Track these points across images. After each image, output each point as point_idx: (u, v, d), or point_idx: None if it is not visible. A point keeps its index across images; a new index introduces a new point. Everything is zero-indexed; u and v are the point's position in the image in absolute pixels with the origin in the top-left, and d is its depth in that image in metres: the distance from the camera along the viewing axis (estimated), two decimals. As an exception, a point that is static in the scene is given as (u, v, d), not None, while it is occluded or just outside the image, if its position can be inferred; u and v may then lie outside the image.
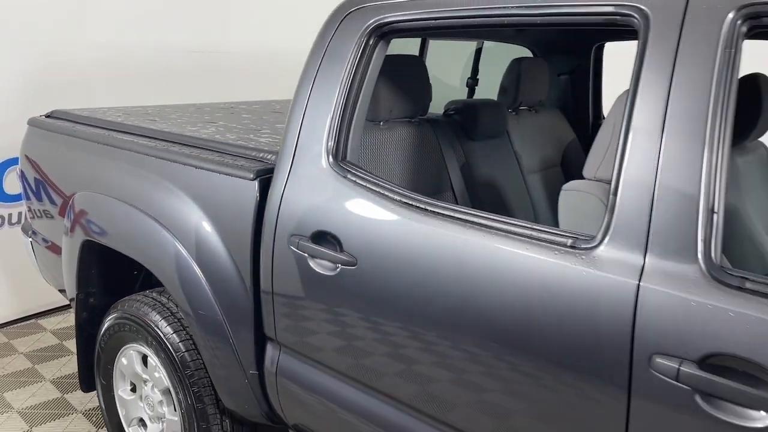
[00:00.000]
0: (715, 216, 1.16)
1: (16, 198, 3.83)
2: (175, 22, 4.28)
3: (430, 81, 2.21)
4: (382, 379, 1.66)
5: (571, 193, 1.50)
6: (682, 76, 1.22)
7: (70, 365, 3.49)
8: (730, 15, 1.19)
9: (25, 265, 3.46)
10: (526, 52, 2.88)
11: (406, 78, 2.12)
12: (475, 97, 3.23)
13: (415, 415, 1.63)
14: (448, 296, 1.47)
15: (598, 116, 2.96)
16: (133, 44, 4.08)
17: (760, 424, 1.07)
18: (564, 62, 2.89)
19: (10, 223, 3.91)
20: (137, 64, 4.11)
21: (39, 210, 2.98)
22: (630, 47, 1.33)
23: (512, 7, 1.47)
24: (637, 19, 1.29)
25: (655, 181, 1.22)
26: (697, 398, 1.13)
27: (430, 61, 3.48)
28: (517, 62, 2.59)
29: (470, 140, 2.41)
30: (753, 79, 2.07)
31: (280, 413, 2.04)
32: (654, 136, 1.23)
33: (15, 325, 3.99)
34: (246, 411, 2.11)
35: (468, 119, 2.42)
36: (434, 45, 3.44)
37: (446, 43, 3.45)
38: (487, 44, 3.09)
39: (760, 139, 2.34)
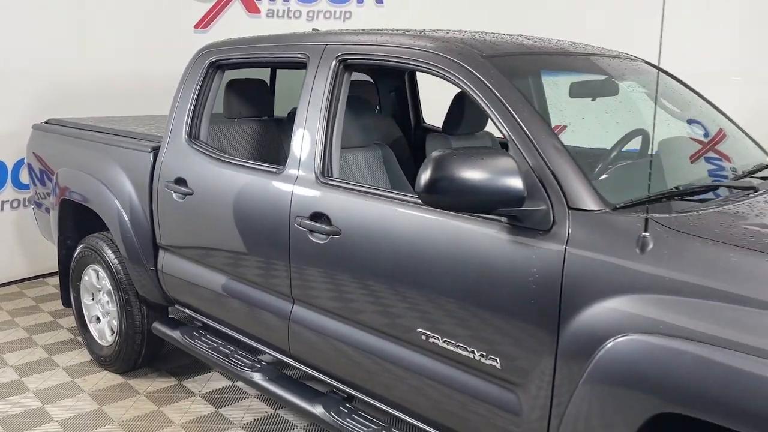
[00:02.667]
0: (321, 152, 2.49)
1: (28, 186, 5.23)
2: (150, 55, 5.66)
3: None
4: (219, 260, 2.98)
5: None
6: (314, 90, 2.56)
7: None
8: (334, 61, 2.54)
9: (36, 236, 4.80)
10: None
11: (251, 93, 3.47)
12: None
13: (231, 277, 2.95)
14: (229, 205, 2.82)
15: (418, 119, 4.28)
16: (117, 71, 5.47)
17: (324, 242, 2.39)
18: (390, 84, 4.23)
19: (24, 206, 5.33)
20: (120, 86, 5.49)
21: (42, 191, 4.37)
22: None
23: (265, 56, 2.85)
24: (305, 59, 2.64)
25: (302, 138, 2.55)
26: (308, 234, 2.45)
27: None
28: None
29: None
30: (461, 94, 3.38)
31: (169, 294, 3.38)
32: (303, 119, 2.58)
33: (27, 282, 5.39)
34: (151, 296, 3.45)
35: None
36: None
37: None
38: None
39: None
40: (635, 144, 2.72)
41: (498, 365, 1.94)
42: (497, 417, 1.96)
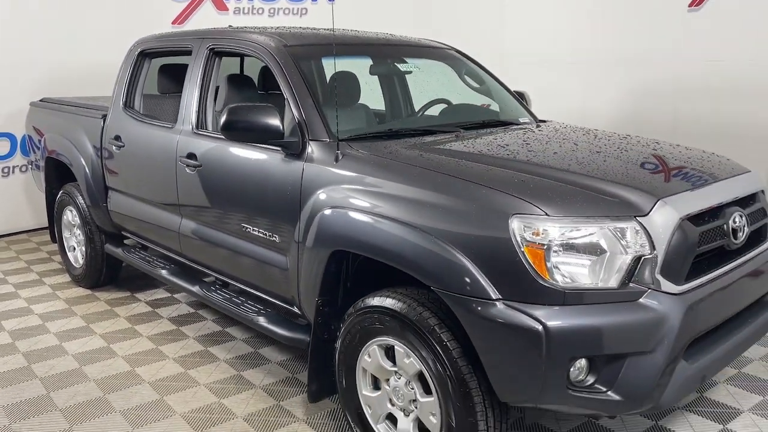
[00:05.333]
0: (196, 112, 3.66)
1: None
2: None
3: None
4: (139, 192, 4.18)
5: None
6: (194, 70, 3.74)
7: (57, 245, 6.14)
8: (206, 50, 3.71)
9: (40, 195, 6.04)
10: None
11: (177, 75, 4.64)
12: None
13: (146, 204, 4.15)
14: (143, 152, 4.02)
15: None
16: (103, 60, 6.68)
17: (193, 173, 3.56)
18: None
19: (32, 169, 6.62)
20: (105, 72, 6.67)
21: (39, 157, 5.64)
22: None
23: (170, 46, 4.04)
24: (191, 48, 3.82)
25: (185, 103, 3.73)
26: (185, 168, 3.62)
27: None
28: (265, 68, 5.07)
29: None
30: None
31: (115, 223, 4.61)
32: (187, 90, 3.75)
33: (33, 231, 6.71)
34: (106, 226, 4.68)
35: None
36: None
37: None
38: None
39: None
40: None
41: (277, 239, 3.09)
42: (279, 273, 3.12)
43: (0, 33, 6.25)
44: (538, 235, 2.16)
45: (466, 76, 4.13)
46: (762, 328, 2.71)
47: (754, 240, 2.74)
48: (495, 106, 4.04)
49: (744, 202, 2.67)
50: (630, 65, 6.30)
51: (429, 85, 4.17)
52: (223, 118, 2.97)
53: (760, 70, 5.16)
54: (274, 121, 2.96)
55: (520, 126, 3.55)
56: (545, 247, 2.15)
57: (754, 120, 5.24)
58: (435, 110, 4.10)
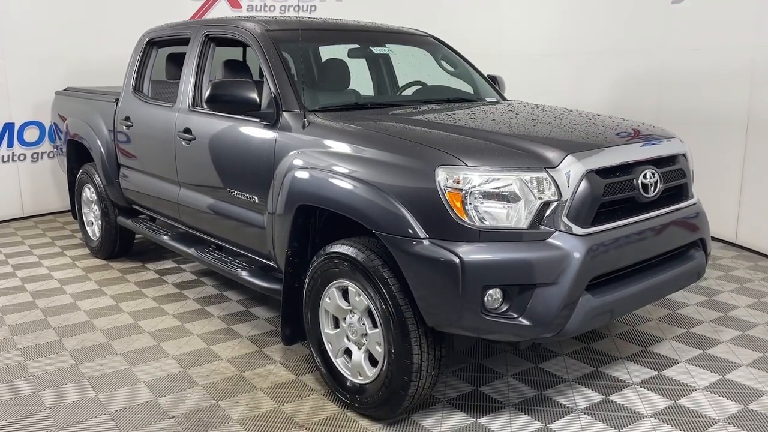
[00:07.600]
0: (192, 92, 4.08)
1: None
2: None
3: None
4: (144, 166, 4.64)
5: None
6: (191, 55, 4.16)
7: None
8: (202, 37, 4.13)
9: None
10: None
11: (180, 62, 5.09)
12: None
13: (150, 176, 4.60)
14: (149, 129, 4.46)
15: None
16: (124, 55, 7.20)
17: (189, 145, 3.99)
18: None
19: (58, 154, 7.15)
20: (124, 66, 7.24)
21: (62, 142, 6.15)
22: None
23: (173, 35, 4.48)
24: (189, 35, 4.24)
25: (183, 85, 4.16)
26: (182, 141, 4.05)
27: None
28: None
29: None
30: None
31: (126, 197, 5.07)
32: (185, 73, 4.18)
33: (60, 213, 7.24)
34: (119, 201, 5.15)
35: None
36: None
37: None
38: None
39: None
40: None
41: (255, 200, 3.49)
42: (258, 231, 3.52)
43: (31, 30, 6.80)
44: (458, 182, 2.52)
45: (442, 61, 4.49)
46: (680, 278, 3.02)
47: (675, 197, 3.06)
48: (467, 87, 4.39)
49: (661, 162, 2.98)
50: (619, 56, 6.58)
51: (411, 69, 4.54)
52: (207, 92, 3.38)
53: (733, 57, 5.41)
54: (252, 95, 3.35)
55: (480, 102, 3.90)
56: (464, 192, 2.51)
57: (728, 104, 5.50)
58: (414, 91, 4.48)
